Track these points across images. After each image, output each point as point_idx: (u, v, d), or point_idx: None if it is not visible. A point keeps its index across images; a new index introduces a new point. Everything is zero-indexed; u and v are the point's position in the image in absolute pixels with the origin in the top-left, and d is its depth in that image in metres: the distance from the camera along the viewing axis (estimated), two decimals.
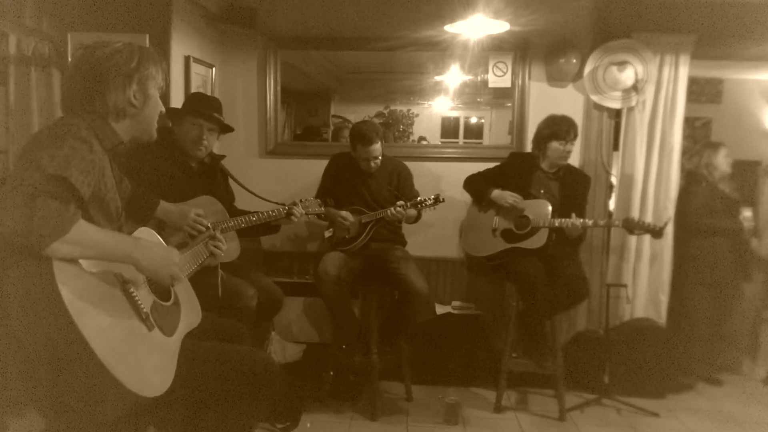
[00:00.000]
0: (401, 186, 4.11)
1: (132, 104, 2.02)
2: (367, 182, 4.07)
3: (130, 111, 2.03)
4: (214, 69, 4.43)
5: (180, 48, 3.85)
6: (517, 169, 4.14)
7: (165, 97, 2.16)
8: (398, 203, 3.86)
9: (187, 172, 3.29)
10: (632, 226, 3.88)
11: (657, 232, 3.85)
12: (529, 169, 4.11)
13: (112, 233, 1.88)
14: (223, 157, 3.55)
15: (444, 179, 4.60)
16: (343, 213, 3.96)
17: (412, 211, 3.95)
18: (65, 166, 1.74)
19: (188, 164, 3.31)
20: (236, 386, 2.12)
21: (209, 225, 3.00)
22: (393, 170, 4.13)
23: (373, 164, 3.98)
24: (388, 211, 3.87)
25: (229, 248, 2.82)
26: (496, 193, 4.04)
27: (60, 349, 1.66)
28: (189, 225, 2.97)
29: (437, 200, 3.88)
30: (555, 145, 4.00)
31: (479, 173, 4.23)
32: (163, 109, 2.16)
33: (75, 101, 1.98)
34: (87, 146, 1.84)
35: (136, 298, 1.88)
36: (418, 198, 3.92)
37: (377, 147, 3.92)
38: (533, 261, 3.86)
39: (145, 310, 1.89)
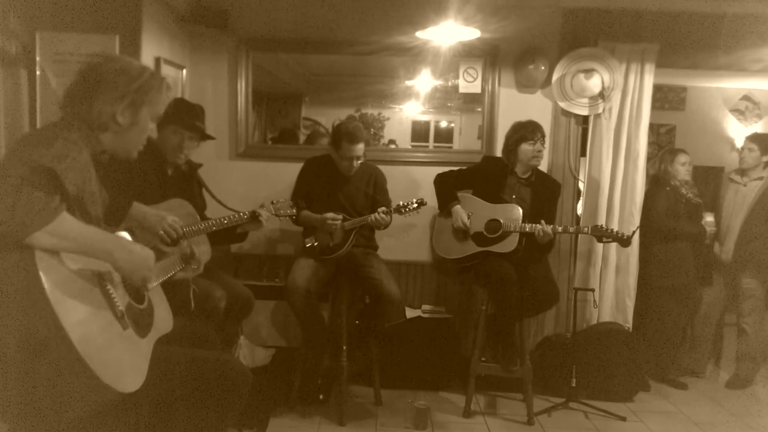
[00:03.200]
0: (377, 191, 4.10)
1: (116, 121, 2.02)
2: (343, 187, 4.03)
3: (113, 127, 2.02)
4: (184, 70, 4.39)
5: (150, 49, 3.80)
6: (489, 173, 4.16)
7: None
8: (381, 209, 3.87)
9: (162, 176, 3.27)
10: (601, 234, 3.93)
11: (625, 241, 3.90)
12: (502, 174, 4.14)
13: (95, 229, 1.88)
14: (200, 165, 3.54)
15: (414, 183, 4.61)
16: (330, 214, 3.89)
17: (387, 218, 3.94)
18: (53, 161, 1.76)
19: (164, 169, 3.29)
20: (207, 393, 2.12)
21: (184, 231, 2.98)
22: (370, 175, 4.11)
23: (355, 164, 3.94)
24: (371, 217, 3.86)
25: (199, 251, 2.81)
26: (457, 209, 4.07)
27: (38, 336, 1.64)
28: (164, 230, 2.94)
29: (420, 204, 3.91)
30: (525, 147, 4.05)
31: (451, 172, 4.24)
32: (155, 136, 2.19)
33: (71, 104, 1.99)
34: (76, 148, 1.87)
35: (113, 295, 1.88)
36: (401, 203, 3.91)
37: (362, 146, 3.90)
38: (505, 264, 3.89)
39: (120, 308, 1.89)
